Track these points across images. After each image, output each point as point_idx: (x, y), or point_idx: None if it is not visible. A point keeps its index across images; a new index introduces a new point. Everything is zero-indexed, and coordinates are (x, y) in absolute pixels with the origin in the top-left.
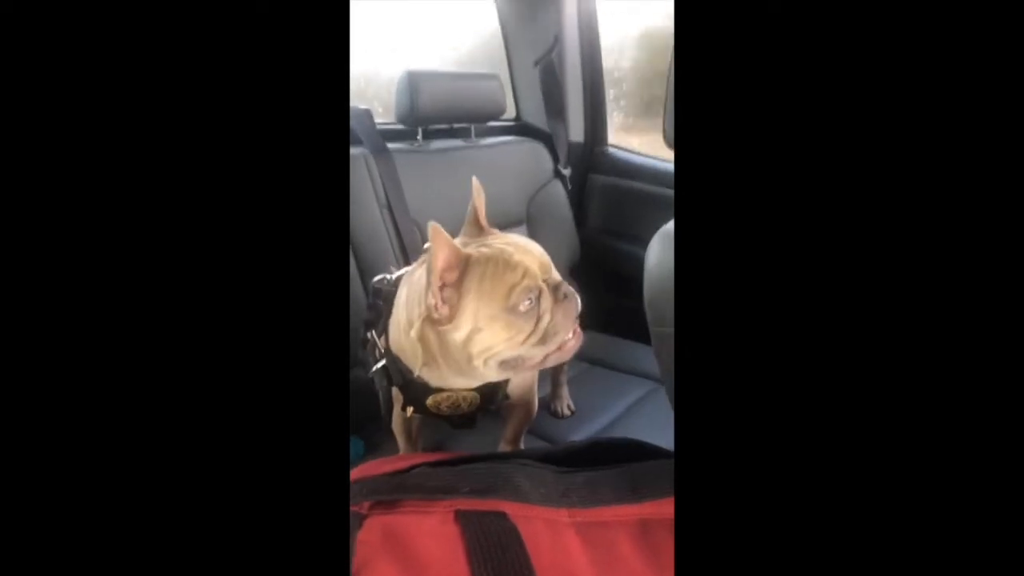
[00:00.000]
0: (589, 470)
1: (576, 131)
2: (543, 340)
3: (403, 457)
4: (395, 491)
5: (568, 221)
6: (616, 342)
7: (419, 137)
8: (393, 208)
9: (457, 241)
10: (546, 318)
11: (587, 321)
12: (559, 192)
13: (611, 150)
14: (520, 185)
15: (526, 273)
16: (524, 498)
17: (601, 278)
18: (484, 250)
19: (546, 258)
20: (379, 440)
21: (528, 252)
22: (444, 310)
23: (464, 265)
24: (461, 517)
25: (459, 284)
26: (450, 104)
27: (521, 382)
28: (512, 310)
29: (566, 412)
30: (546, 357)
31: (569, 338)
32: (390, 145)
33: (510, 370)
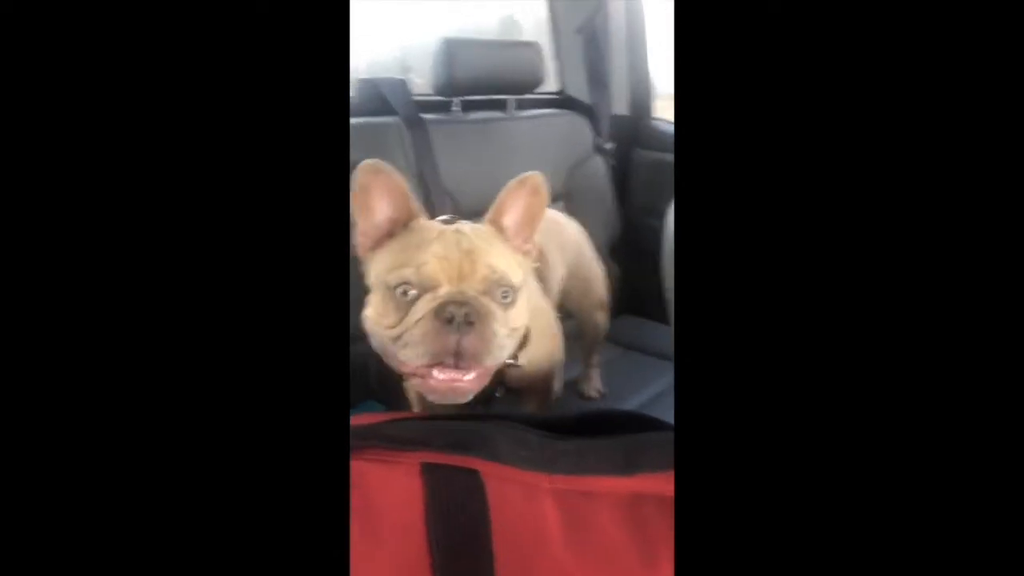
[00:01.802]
0: (579, 438)
1: (620, 103)
2: (396, 341)
3: (389, 414)
4: (364, 438)
5: (608, 198)
6: (655, 327)
7: (455, 108)
8: (426, 179)
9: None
10: (408, 321)
11: (625, 304)
12: (600, 168)
13: (657, 123)
14: (557, 160)
15: (423, 264)
16: (500, 458)
17: (643, 259)
18: (434, 223)
19: (491, 276)
20: (401, 407)
21: (470, 255)
22: (362, 240)
23: (405, 219)
24: (426, 470)
25: (391, 233)
26: (487, 74)
27: (534, 370)
28: (388, 287)
29: (593, 394)
30: (403, 366)
31: (426, 366)
32: (425, 116)
33: (377, 348)
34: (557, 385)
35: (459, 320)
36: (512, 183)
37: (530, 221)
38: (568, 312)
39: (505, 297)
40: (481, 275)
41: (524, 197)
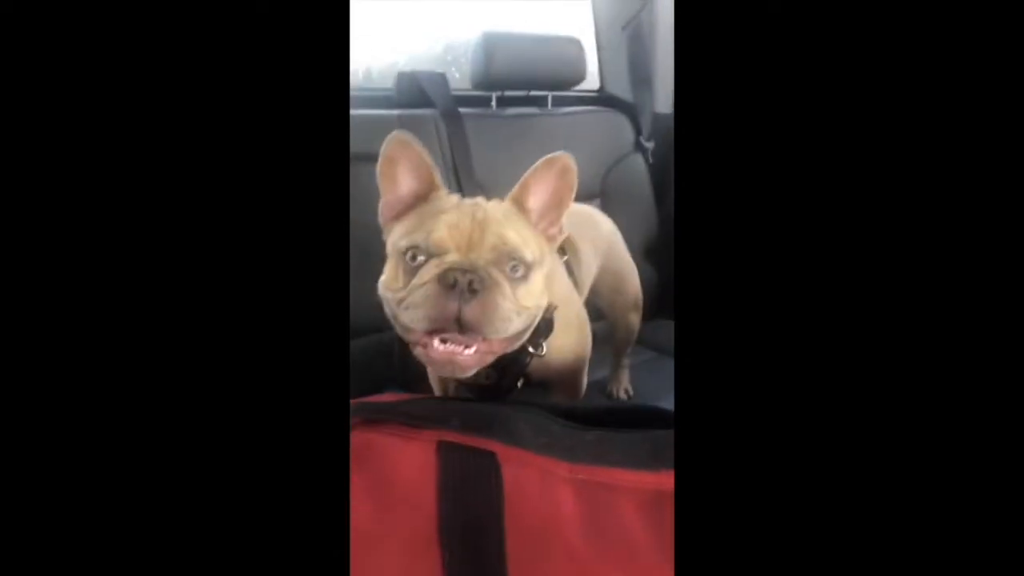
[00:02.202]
0: (604, 429)
1: (663, 102)
2: (401, 304)
3: (411, 395)
4: (383, 413)
5: (647, 198)
6: None
7: (493, 103)
8: (459, 171)
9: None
10: (413, 284)
11: (659, 307)
12: (639, 166)
13: None
14: (595, 158)
15: (433, 231)
16: (520, 443)
17: None
18: (455, 196)
19: (501, 246)
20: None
21: (482, 225)
22: (385, 211)
23: (427, 192)
24: (443, 448)
25: (413, 206)
26: (526, 68)
27: (558, 362)
28: (400, 252)
29: (622, 395)
30: (408, 334)
31: (427, 332)
32: (463, 110)
33: (388, 314)
34: (580, 386)
35: (462, 287)
36: (539, 163)
37: (557, 204)
38: (599, 312)
39: (515, 271)
40: (490, 244)
41: (552, 179)
